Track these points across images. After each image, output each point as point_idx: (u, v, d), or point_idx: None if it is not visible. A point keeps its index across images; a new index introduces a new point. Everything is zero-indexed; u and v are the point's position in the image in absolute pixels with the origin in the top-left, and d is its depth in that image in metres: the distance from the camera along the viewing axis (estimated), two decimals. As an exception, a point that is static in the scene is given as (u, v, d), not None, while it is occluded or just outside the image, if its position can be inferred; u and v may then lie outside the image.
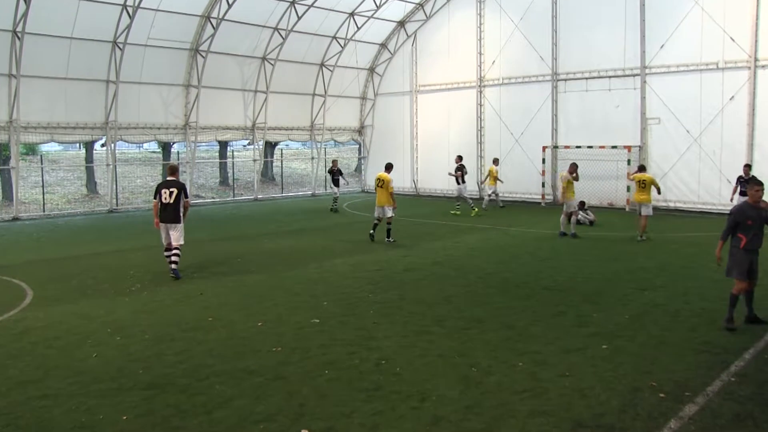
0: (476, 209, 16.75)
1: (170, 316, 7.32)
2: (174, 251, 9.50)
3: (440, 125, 24.63)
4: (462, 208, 17.99)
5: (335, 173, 19.30)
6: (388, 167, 12.45)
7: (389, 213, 12.31)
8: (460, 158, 18.00)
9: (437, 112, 24.77)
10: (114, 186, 20.08)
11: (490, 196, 19.56)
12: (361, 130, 27.62)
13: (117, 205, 20.47)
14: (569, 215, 13.17)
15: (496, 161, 20.55)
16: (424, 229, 14.46)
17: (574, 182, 13.29)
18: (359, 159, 26.60)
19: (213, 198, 25.27)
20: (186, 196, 9.55)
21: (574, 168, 13.86)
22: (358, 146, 29.36)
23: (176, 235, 9.52)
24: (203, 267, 9.97)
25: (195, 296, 8.18)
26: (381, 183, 12.21)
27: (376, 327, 6.78)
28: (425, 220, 16.19)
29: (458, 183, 17.29)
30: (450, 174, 18.03)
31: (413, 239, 12.68)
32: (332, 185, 19.43)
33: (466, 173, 17.51)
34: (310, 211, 19.23)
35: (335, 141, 27.84)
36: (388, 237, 12.24)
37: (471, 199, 16.49)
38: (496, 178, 19.50)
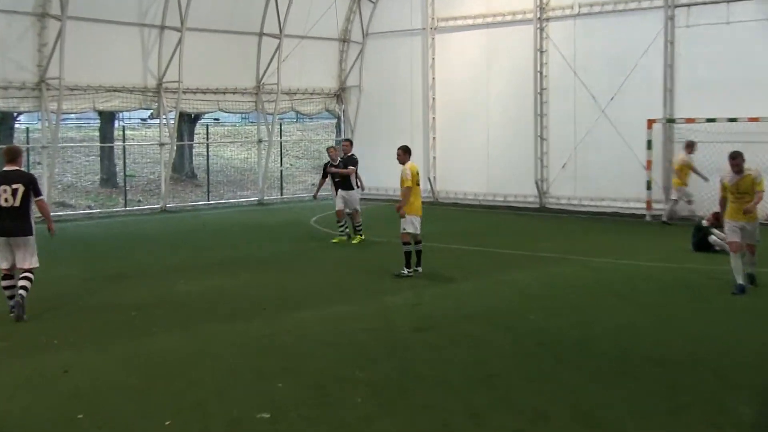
0: (359, 236, 16.05)
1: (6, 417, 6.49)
2: (23, 276, 9.59)
3: (472, 86, 23.33)
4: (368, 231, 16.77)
5: (340, 169, 16.63)
6: (406, 152, 12.26)
7: (409, 228, 11.99)
8: (349, 143, 16.78)
9: (467, 63, 23.50)
10: None
11: (677, 202, 18.62)
12: (340, 95, 26.52)
13: None
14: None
15: (690, 146, 18.30)
16: (446, 258, 13.94)
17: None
18: (337, 143, 24.25)
19: (90, 207, 24.29)
20: (38, 194, 9.71)
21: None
22: (335, 122, 28.92)
23: (24, 255, 9.64)
24: (71, 327, 9.37)
25: (55, 376, 7.55)
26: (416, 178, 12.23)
27: (367, 426, 6.22)
28: (448, 243, 15.80)
29: (347, 188, 16.01)
30: (332, 170, 16.28)
31: (429, 276, 12.12)
32: (333, 192, 17.19)
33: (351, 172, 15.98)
34: (258, 229, 18.69)
35: (298, 113, 27.39)
36: (415, 266, 12.14)
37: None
38: (687, 174, 18.20)
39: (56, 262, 13.27)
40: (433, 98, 24.42)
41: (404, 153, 12.44)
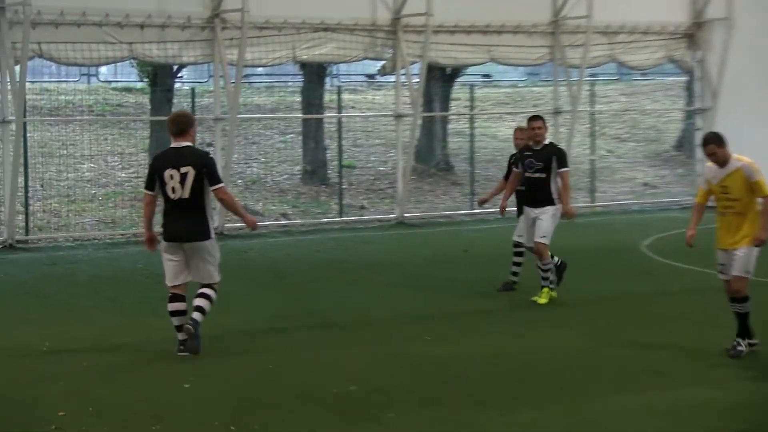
0: (547, 292, 15.22)
1: None
2: (200, 294, 10.62)
3: None
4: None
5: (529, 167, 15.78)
6: (716, 140, 11.61)
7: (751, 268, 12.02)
8: (541, 123, 15.29)
9: None
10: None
11: None
12: (694, 36, 26.40)
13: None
14: None
15: None
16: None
17: None
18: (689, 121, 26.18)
19: (286, 216, 24.88)
20: (216, 180, 10.52)
21: None
22: (685, 81, 30.24)
23: (199, 265, 10.62)
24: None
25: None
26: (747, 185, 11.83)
27: None
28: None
29: (537, 202, 14.95)
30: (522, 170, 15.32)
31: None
32: (516, 207, 16.21)
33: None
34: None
35: (622, 66, 28.82)
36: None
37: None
38: None
39: (231, 299, 13.68)
40: None
41: (714, 142, 11.77)
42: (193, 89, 27.03)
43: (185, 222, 10.52)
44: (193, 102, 25.31)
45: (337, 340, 12.45)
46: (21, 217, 19.98)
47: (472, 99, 28.96)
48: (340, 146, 26.40)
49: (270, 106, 33.32)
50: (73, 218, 22.28)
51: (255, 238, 21.03)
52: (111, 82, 35.65)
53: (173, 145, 10.60)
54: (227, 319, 13.09)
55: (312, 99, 28.59)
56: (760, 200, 10.70)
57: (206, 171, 10.48)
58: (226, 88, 21.54)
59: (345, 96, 31.67)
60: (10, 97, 19.53)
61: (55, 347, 11.29)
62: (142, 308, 13.59)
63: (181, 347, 10.51)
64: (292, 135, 30.31)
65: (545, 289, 15.18)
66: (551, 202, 14.71)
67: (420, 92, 23.71)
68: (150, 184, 10.44)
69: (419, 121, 24.48)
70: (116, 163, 26.96)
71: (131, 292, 15.08)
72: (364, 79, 38.47)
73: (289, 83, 35.94)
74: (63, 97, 27.90)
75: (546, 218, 14.71)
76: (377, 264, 18.77)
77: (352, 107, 33.26)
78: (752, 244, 10.76)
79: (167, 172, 10.39)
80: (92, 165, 26.53)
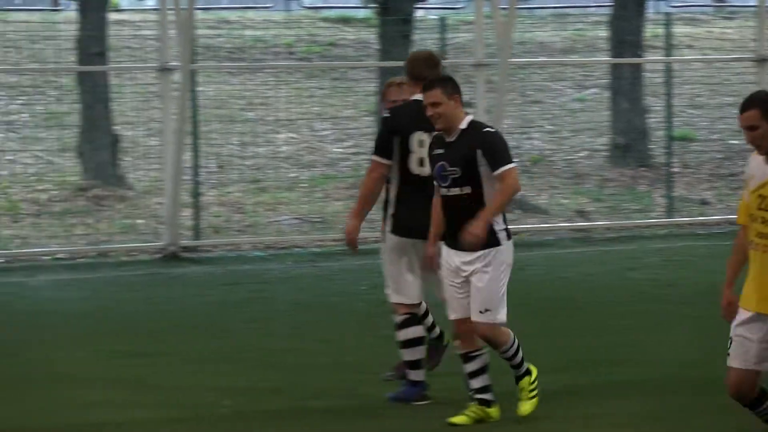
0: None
1: None
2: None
3: None
4: None
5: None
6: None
7: None
8: None
9: None
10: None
11: None
12: None
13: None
14: None
15: None
16: None
17: None
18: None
19: (594, 211, 25.58)
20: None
21: None
22: None
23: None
24: None
25: None
26: None
27: None
28: None
29: None
30: None
31: None
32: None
33: None
34: None
35: None
36: None
37: None
38: None
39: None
40: None
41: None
42: (442, 20, 27.07)
43: (429, 211, 10.69)
44: (442, 39, 25.50)
45: (670, 407, 11.73)
46: (188, 212, 19.94)
47: None
48: (668, 108, 26.28)
49: (560, 45, 33.77)
50: (263, 215, 22.20)
51: (538, 248, 21.27)
52: (320, 8, 35.58)
53: (416, 97, 10.65)
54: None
55: (625, 34, 28.57)
56: None
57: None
58: (494, 19, 21.69)
59: (677, 29, 31.50)
60: (172, 32, 19.52)
61: (241, 407, 11.20)
62: (370, 354, 13.05)
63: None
64: (594, 90, 30.62)
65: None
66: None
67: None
68: (384, 149, 10.53)
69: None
70: (327, 133, 27.05)
71: (350, 327, 14.60)
72: (708, 1, 38.50)
73: (590, 11, 36.14)
74: (249, 32, 28.08)
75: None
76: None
77: (689, 47, 33.29)
78: None
79: (415, 136, 10.62)
80: (292, 135, 26.58)
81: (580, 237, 23.15)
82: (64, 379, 12.16)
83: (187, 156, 19.94)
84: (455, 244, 10.39)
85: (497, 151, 10.76)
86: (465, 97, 25.27)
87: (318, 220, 22.00)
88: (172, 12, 19.12)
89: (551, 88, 30.45)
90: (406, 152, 10.40)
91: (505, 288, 10.90)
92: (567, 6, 36.63)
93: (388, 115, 11.09)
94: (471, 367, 10.69)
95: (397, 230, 10.60)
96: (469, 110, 22.39)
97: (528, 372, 11.10)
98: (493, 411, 11.10)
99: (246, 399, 11.37)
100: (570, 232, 23.36)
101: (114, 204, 21.80)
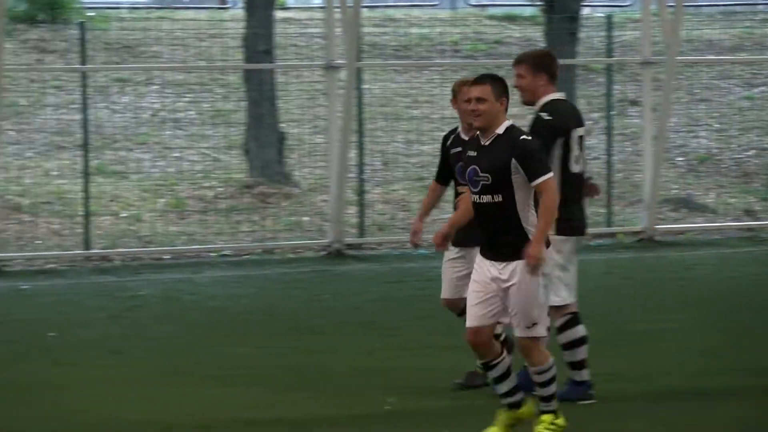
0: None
1: None
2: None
3: None
4: None
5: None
6: None
7: None
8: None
9: None
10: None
11: None
12: None
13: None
14: None
15: None
16: None
17: None
18: None
19: (763, 210, 25.42)
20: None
21: None
22: None
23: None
24: None
25: None
26: None
27: None
28: None
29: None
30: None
31: None
32: None
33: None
34: None
35: None
36: None
37: None
38: None
39: (659, 335, 14.28)
40: None
41: None
42: (609, 18, 27.10)
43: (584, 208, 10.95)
44: (609, 37, 25.58)
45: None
46: (353, 210, 20.15)
47: None
48: None
49: (729, 43, 33.21)
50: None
51: (705, 247, 21.27)
52: (486, 6, 35.61)
53: (556, 96, 10.83)
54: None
55: None
56: None
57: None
58: (660, 17, 21.50)
59: None
60: (338, 30, 19.69)
61: (404, 406, 11.08)
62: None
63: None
64: (763, 89, 30.38)
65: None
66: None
67: None
68: (550, 158, 10.46)
69: None
70: (495, 132, 26.68)
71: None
72: None
73: (759, 8, 35.77)
74: (415, 30, 28.34)
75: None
76: None
77: None
78: None
79: (576, 133, 10.68)
80: (459, 134, 26.37)
81: (747, 236, 22.92)
82: (227, 376, 12.12)
83: (353, 153, 20.02)
84: (491, 255, 10.14)
85: (534, 159, 10.51)
86: (631, 95, 25.28)
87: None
88: (339, 10, 19.25)
89: (719, 87, 30.10)
90: (567, 151, 10.39)
91: (545, 297, 10.58)
92: (735, 3, 35.60)
93: (549, 117, 10.80)
94: (494, 373, 10.52)
95: (566, 231, 10.41)
96: (634, 108, 22.29)
97: (554, 413, 10.68)
98: (525, 410, 10.83)
99: (410, 398, 11.21)
100: (737, 231, 23.24)
101: (279, 201, 21.91)
